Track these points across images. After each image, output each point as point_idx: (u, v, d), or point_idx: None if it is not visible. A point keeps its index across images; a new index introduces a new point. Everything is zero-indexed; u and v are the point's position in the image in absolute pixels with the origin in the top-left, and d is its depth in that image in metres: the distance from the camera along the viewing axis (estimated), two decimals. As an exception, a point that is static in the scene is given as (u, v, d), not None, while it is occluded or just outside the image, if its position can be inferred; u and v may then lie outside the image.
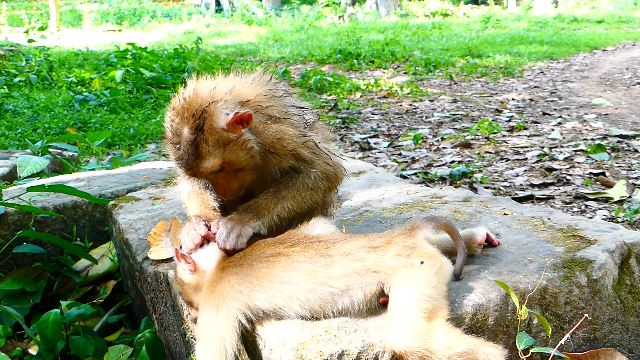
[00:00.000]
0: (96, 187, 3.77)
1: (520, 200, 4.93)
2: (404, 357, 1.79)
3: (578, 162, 5.99)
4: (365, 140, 7.39)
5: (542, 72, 13.49)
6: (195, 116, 2.10)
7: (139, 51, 12.39)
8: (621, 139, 6.83)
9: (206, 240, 2.22)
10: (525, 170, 5.84)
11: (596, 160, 6.01)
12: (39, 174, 4.34)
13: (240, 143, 2.13)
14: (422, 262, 1.90)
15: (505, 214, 2.75)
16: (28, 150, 5.37)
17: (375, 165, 4.61)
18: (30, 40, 13.13)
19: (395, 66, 14.44)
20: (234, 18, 29.03)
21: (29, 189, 3.26)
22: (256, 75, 2.34)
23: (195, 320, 2.14)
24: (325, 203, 2.44)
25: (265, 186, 2.31)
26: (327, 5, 34.02)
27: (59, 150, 5.41)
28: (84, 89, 10.43)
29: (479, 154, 6.56)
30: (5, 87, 10.42)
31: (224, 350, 1.95)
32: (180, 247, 2.27)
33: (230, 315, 1.98)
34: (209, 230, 2.23)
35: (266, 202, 2.25)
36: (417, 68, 13.77)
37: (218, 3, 33.01)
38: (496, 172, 5.86)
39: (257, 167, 2.23)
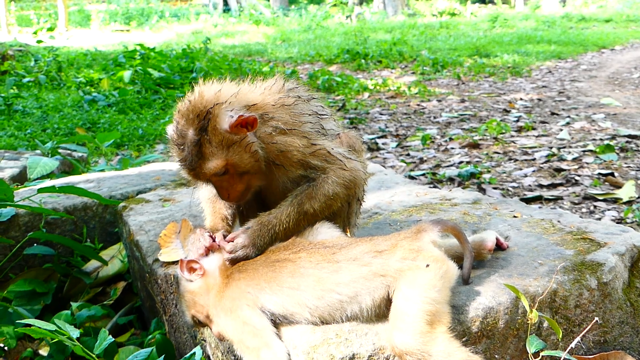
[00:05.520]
0: (106, 188, 3.78)
1: (528, 200, 4.92)
2: (403, 357, 1.79)
3: (587, 163, 5.98)
4: (373, 140, 7.39)
5: (550, 72, 13.46)
6: (200, 117, 2.11)
7: (147, 51, 12.41)
8: (630, 139, 6.81)
9: (210, 251, 2.24)
10: (533, 171, 5.83)
11: (605, 161, 5.99)
12: (49, 175, 4.36)
13: (244, 145, 2.13)
14: (427, 265, 1.90)
15: (514, 217, 2.75)
16: (38, 151, 5.39)
17: (384, 166, 4.61)
18: (39, 41, 13.14)
19: (403, 66, 14.43)
20: (241, 18, 29.08)
21: (40, 190, 3.27)
22: (268, 84, 2.30)
23: (219, 336, 2.11)
24: (349, 213, 2.38)
25: (276, 193, 2.27)
26: (335, 5, 34.03)
27: (69, 151, 5.41)
28: (92, 89, 10.45)
29: (487, 154, 6.55)
30: (14, 87, 10.47)
31: (255, 335, 1.94)
32: (187, 258, 2.28)
33: (244, 310, 1.98)
34: (214, 241, 2.25)
35: (287, 217, 2.18)
36: (424, 68, 13.76)
37: (226, 3, 33.04)
38: (504, 172, 5.85)
39: (263, 173, 2.21)
